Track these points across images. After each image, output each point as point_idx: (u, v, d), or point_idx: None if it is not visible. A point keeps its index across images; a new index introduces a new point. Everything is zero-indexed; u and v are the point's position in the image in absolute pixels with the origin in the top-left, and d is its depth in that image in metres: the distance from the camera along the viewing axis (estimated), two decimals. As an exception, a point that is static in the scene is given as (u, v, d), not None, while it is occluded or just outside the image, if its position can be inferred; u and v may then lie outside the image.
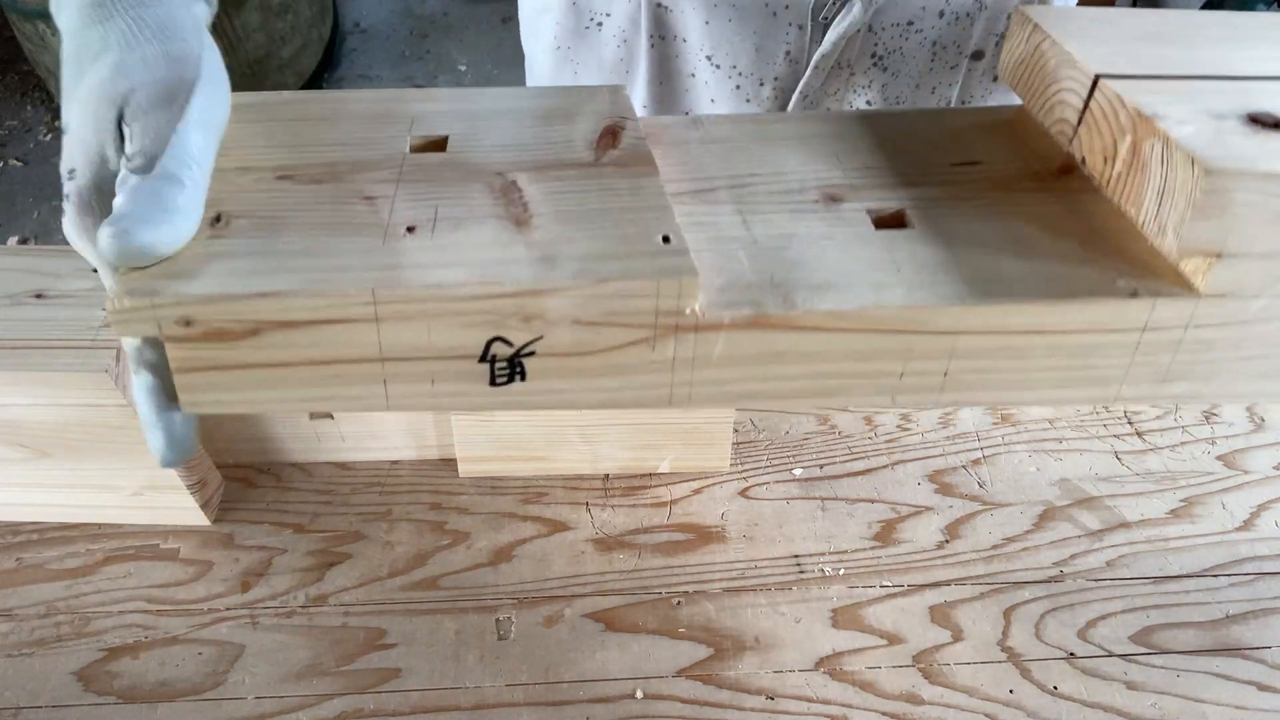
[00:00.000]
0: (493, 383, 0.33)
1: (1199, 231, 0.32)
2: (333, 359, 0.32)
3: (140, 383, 0.35)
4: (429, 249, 0.33)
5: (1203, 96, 0.35)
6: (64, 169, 0.36)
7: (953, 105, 0.68)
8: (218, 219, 0.34)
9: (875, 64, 0.64)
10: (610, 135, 0.40)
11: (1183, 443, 0.69)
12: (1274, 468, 0.67)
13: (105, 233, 0.31)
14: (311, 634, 0.58)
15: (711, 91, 0.67)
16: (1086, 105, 0.37)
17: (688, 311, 0.32)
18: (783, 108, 0.67)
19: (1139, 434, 0.69)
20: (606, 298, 0.32)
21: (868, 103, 0.67)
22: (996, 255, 0.36)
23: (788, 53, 0.63)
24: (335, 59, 2.56)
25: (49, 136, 2.37)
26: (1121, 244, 0.36)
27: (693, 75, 0.66)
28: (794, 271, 0.34)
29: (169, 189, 0.33)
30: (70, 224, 0.36)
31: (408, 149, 0.39)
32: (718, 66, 0.65)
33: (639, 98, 0.69)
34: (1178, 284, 0.34)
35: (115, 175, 0.34)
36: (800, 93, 0.65)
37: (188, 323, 0.31)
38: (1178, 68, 0.37)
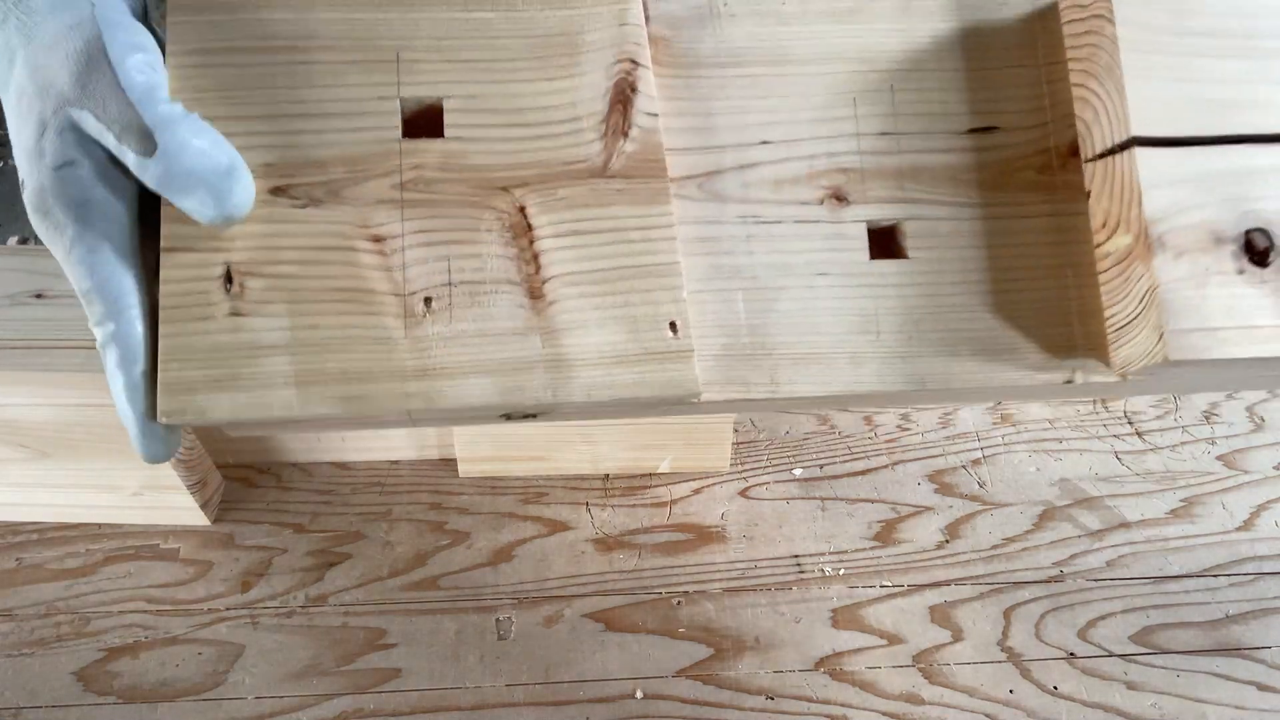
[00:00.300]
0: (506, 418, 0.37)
1: (1148, 379, 0.35)
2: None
3: (119, 384, 0.33)
4: (450, 343, 0.34)
5: (1221, 187, 0.35)
6: (21, 181, 0.35)
7: None
8: (229, 279, 0.33)
9: None
10: (621, 107, 0.37)
11: (1183, 443, 0.69)
12: (1274, 468, 0.67)
13: (201, 205, 0.32)
14: (311, 634, 0.58)
15: None
16: (1111, 151, 0.36)
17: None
18: None
19: (1139, 434, 0.69)
20: (611, 405, 0.35)
21: None
22: (966, 336, 0.37)
23: None
24: (335, 59, 2.56)
25: (49, 136, 2.37)
26: (1084, 305, 0.38)
27: None
28: (783, 334, 0.36)
29: (189, 128, 0.32)
30: (41, 233, 0.35)
31: (400, 130, 0.36)
32: None
33: None
34: (1108, 369, 0.37)
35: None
36: None
37: (230, 429, 0.33)
38: (1226, 110, 0.36)
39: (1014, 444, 0.68)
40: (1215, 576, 0.62)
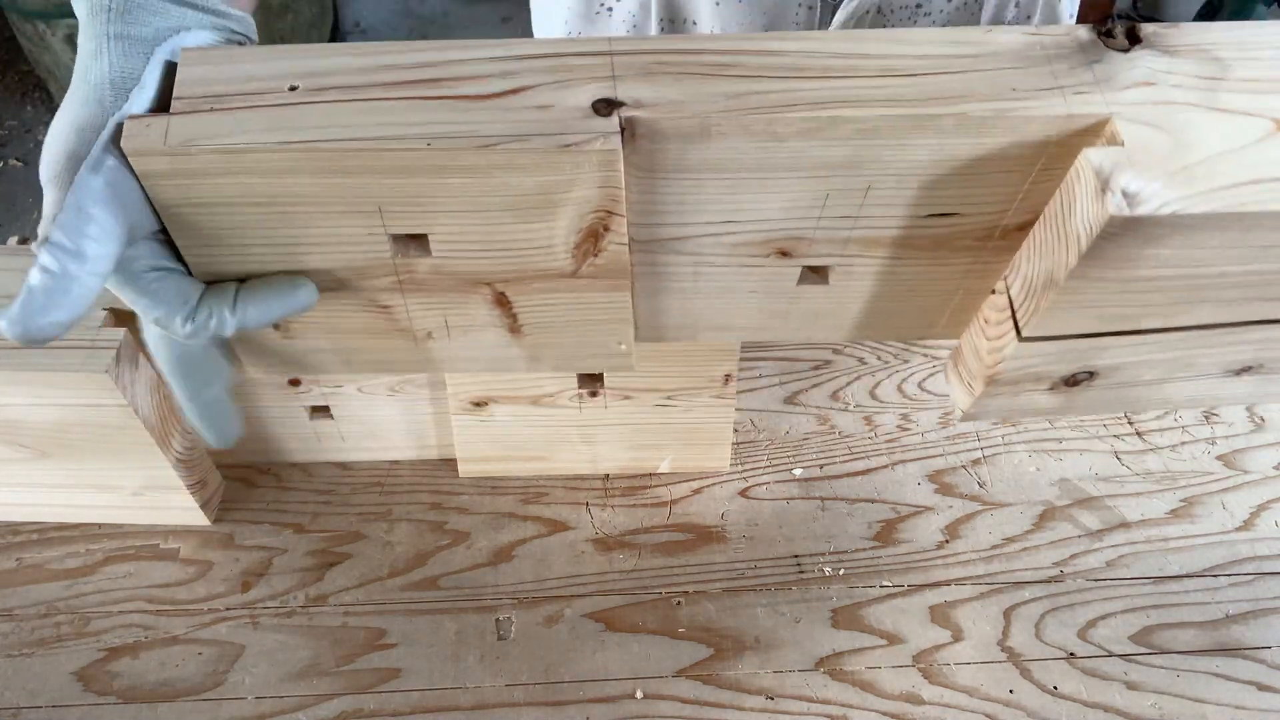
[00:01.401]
0: None
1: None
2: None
3: (168, 360, 0.39)
4: (451, 350, 0.45)
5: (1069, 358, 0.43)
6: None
7: None
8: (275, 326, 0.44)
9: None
10: (593, 240, 0.39)
11: (1183, 443, 0.69)
12: (1274, 468, 0.67)
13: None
14: (311, 634, 0.58)
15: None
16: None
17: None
18: None
19: (1139, 434, 0.69)
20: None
21: None
22: (848, 318, 0.46)
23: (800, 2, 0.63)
24: (335, 59, 2.56)
25: (49, 136, 2.38)
26: None
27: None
28: (709, 317, 0.47)
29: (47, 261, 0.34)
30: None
31: (391, 253, 0.40)
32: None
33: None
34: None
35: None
36: None
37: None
38: None
39: (1014, 444, 0.68)
40: (1215, 576, 0.62)
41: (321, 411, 0.63)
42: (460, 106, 0.35)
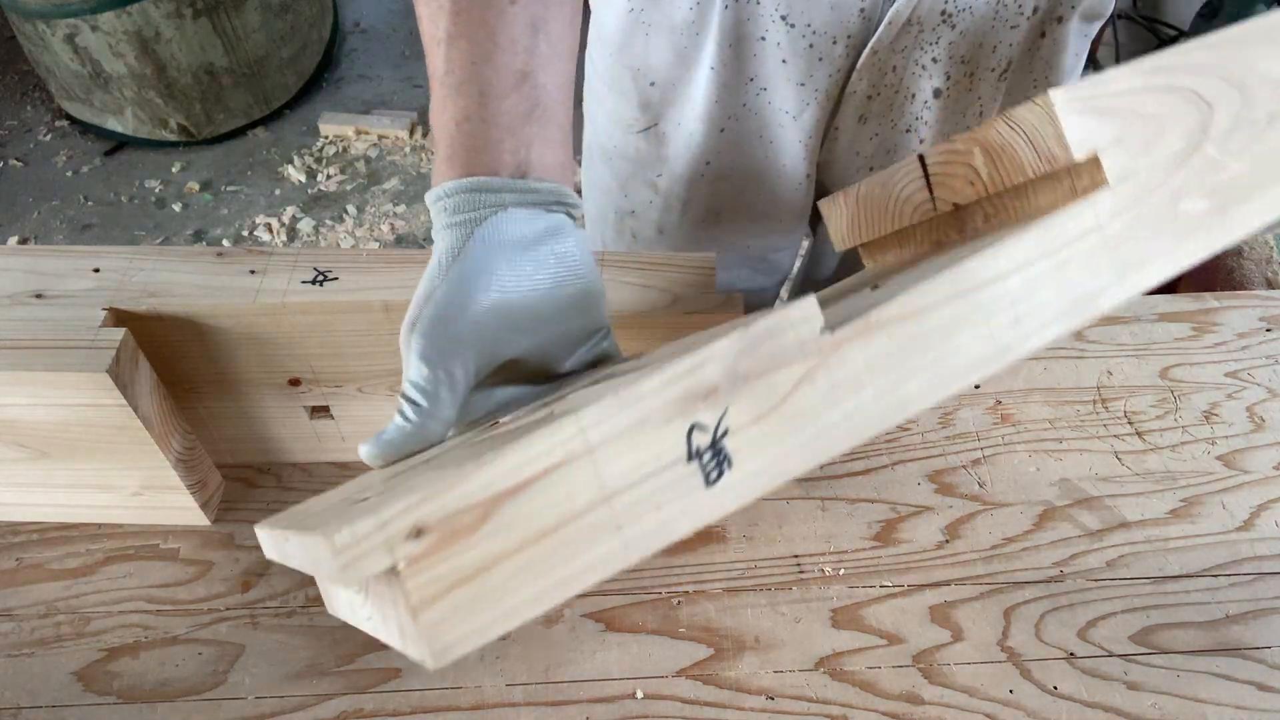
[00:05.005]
0: (707, 483, 0.33)
1: (1073, 133, 0.37)
2: (563, 519, 0.30)
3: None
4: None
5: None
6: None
7: (1011, 68, 0.69)
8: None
9: (944, 20, 0.65)
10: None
11: (1183, 443, 0.69)
12: (1274, 468, 0.67)
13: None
14: (311, 634, 0.58)
15: (783, 52, 0.67)
16: (926, 173, 0.45)
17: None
18: (853, 66, 0.68)
19: (1139, 434, 0.69)
20: (759, 343, 0.33)
21: (934, 60, 0.68)
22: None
23: (862, 9, 0.64)
24: (335, 59, 2.56)
25: (49, 136, 2.37)
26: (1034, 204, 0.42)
27: (763, 39, 0.67)
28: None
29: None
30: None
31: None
32: (792, 25, 0.66)
33: (707, 60, 0.69)
34: (1091, 184, 0.39)
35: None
36: (871, 49, 0.66)
37: (419, 533, 0.28)
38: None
39: (1014, 444, 0.68)
40: (1215, 576, 0.62)
41: (321, 411, 0.63)
42: None
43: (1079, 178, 0.38)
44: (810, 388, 0.34)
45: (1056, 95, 0.36)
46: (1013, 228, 0.39)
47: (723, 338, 0.32)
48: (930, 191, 0.45)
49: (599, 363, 0.48)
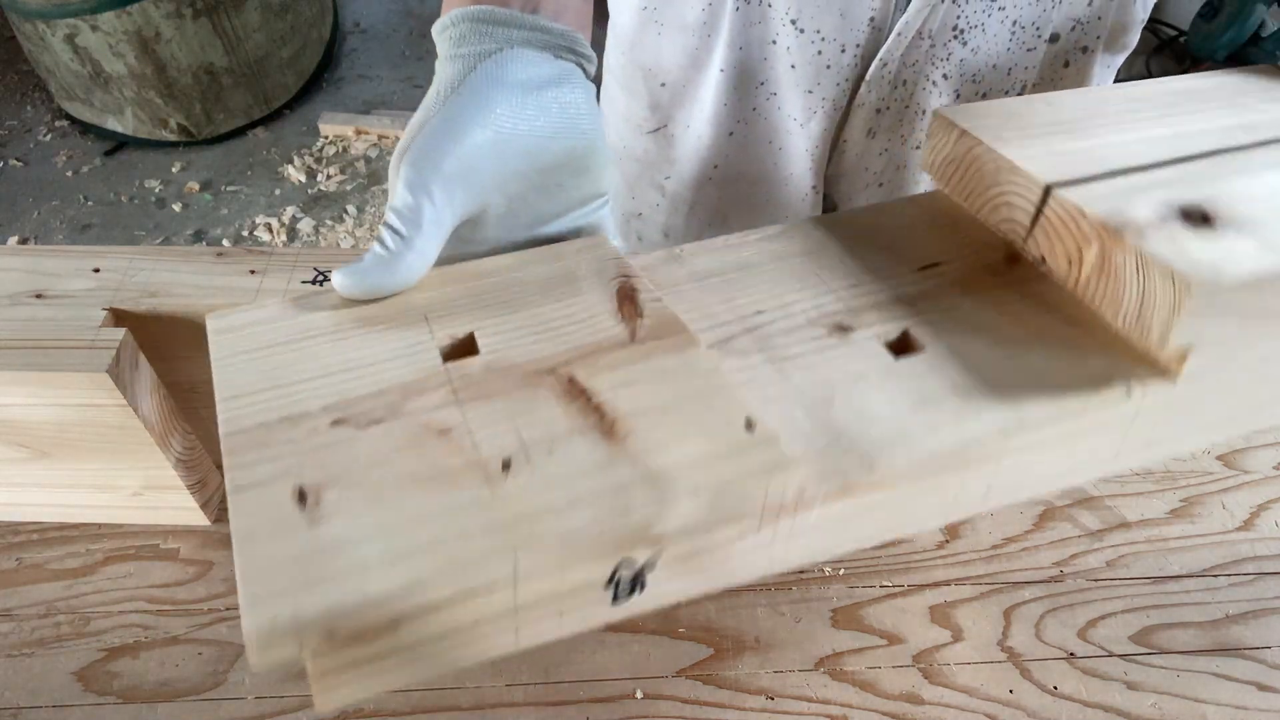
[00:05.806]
0: (615, 601, 0.33)
1: (1181, 333, 0.35)
2: (471, 623, 0.31)
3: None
4: (541, 486, 0.32)
5: (1142, 196, 0.39)
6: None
7: (1028, 91, 0.68)
8: (302, 497, 0.32)
9: (955, 37, 0.65)
10: (629, 301, 0.40)
11: (1183, 443, 0.69)
12: (1274, 468, 0.68)
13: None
14: (311, 634, 0.58)
15: (793, 57, 0.67)
16: (1040, 211, 0.41)
17: (789, 495, 0.33)
18: (862, 75, 0.67)
19: (1139, 434, 0.69)
20: (723, 509, 0.32)
21: (944, 76, 0.67)
22: (1007, 371, 0.38)
23: (872, 18, 0.64)
24: (335, 59, 2.56)
25: (49, 136, 2.37)
26: (1099, 338, 0.39)
27: (773, 42, 0.67)
28: (853, 425, 0.36)
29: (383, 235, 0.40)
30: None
31: (440, 358, 0.37)
32: (801, 30, 0.65)
33: (717, 62, 0.69)
34: (1154, 371, 0.37)
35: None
36: (880, 60, 0.65)
37: (331, 635, 0.29)
38: (1104, 162, 0.41)
39: (1014, 444, 0.68)
40: (1215, 576, 0.62)
41: (321, 411, 0.63)
42: None
43: (1151, 360, 0.37)
44: (752, 538, 0.34)
45: (1193, 283, 0.34)
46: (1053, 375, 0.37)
47: (694, 496, 0.32)
48: (1031, 228, 0.42)
49: (589, 230, 0.46)
